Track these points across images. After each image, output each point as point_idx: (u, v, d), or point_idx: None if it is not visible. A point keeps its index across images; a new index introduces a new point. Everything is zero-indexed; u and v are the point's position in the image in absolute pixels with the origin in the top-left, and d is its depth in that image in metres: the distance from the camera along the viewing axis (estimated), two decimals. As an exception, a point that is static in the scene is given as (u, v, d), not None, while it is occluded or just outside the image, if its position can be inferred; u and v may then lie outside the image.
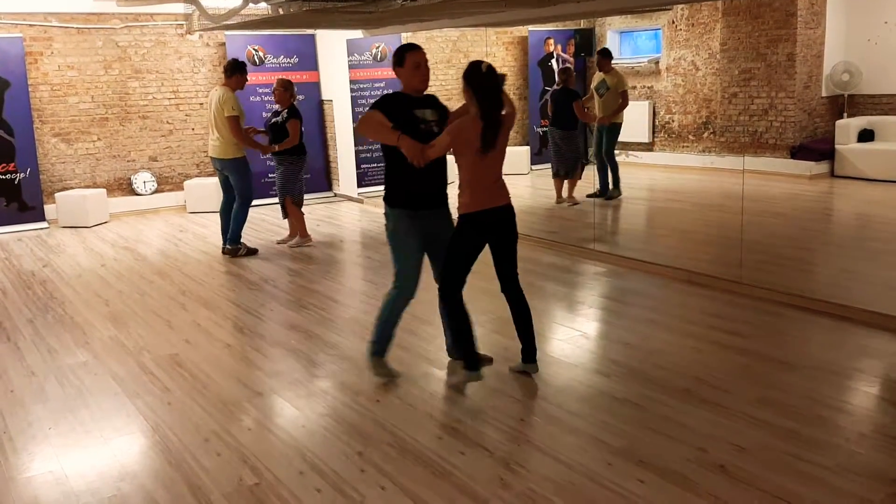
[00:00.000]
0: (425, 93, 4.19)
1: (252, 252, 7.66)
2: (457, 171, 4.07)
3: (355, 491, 3.23)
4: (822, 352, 4.64)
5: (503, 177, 4.14)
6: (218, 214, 7.91)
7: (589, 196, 9.46)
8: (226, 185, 7.60)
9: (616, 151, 9.76)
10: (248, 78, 7.71)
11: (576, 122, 9.45)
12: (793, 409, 3.81)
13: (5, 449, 3.73)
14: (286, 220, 8.10)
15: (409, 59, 4.06)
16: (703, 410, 3.83)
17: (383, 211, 4.22)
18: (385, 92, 10.93)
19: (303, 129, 7.80)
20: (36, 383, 4.55)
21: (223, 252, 7.68)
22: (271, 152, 7.74)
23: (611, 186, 9.57)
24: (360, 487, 3.25)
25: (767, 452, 3.40)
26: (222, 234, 7.72)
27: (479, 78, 3.92)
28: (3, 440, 3.82)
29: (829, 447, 3.44)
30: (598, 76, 9.52)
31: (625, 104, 9.51)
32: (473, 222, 4.06)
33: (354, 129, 3.99)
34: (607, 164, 9.48)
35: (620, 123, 9.56)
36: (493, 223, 4.10)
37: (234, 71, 7.36)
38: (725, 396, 3.98)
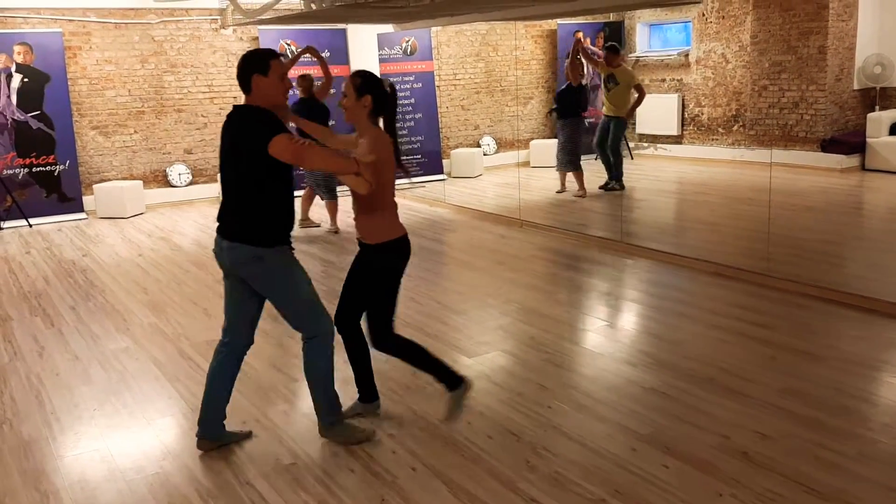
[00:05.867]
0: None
1: (314, 225, 8.31)
2: (351, 198, 3.63)
3: (387, 472, 3.35)
4: (848, 344, 4.67)
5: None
6: None
7: (601, 188, 9.56)
8: None
9: (645, 144, 9.83)
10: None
11: (579, 114, 9.68)
12: (817, 399, 3.87)
13: (53, 429, 3.90)
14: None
15: (274, 67, 3.36)
16: (727, 399, 3.90)
17: (249, 255, 3.36)
18: (413, 87, 11.29)
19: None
20: (80, 367, 4.73)
21: None
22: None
23: (608, 179, 9.81)
24: (391, 468, 3.37)
25: (790, 440, 3.46)
26: None
27: (386, 97, 3.56)
28: (51, 420, 4.00)
29: (852, 436, 3.50)
30: (607, 70, 9.64)
31: (641, 97, 9.65)
32: (400, 250, 3.62)
33: (284, 159, 3.20)
34: (611, 157, 9.66)
35: (626, 119, 9.73)
36: (407, 250, 3.66)
37: None
38: (750, 386, 4.04)
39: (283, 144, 3.21)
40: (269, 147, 3.21)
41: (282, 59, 3.47)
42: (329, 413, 3.65)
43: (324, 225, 8.47)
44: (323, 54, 10.84)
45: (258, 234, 3.35)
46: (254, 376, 4.47)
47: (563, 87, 9.85)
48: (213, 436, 3.63)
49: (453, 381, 3.71)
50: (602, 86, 9.85)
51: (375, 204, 3.52)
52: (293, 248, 3.51)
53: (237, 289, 3.52)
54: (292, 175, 3.44)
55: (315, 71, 9.01)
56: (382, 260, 3.59)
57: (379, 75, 3.71)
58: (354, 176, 3.32)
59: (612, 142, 9.55)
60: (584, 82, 9.94)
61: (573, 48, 10.00)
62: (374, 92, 3.52)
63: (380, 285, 3.62)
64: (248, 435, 3.74)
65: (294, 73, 8.78)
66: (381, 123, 3.62)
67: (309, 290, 3.51)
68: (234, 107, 3.44)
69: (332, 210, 8.30)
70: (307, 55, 7.78)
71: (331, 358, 3.59)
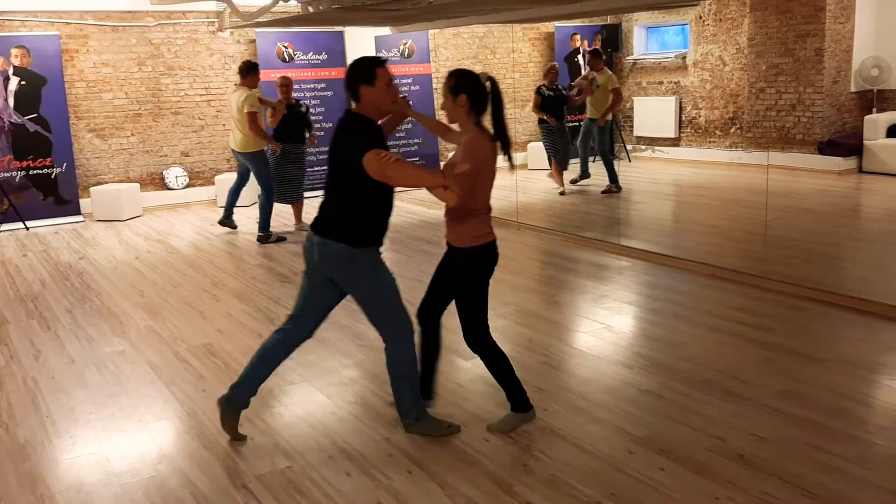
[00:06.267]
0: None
1: (281, 239, 8.11)
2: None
3: (383, 475, 3.34)
4: (846, 346, 4.67)
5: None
6: (257, 207, 8.47)
7: (603, 192, 9.65)
8: (243, 172, 8.41)
9: (642, 146, 9.96)
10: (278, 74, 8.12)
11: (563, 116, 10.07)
12: (814, 402, 3.86)
13: (49, 432, 3.89)
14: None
15: (380, 75, 3.40)
16: (724, 402, 3.90)
17: (339, 254, 3.44)
18: (410, 89, 11.29)
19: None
20: (76, 370, 4.72)
21: (219, 223, 8.61)
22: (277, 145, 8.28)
23: (585, 177, 10.13)
24: (387, 471, 3.36)
25: (787, 443, 3.46)
26: (225, 210, 8.60)
27: (484, 94, 3.47)
28: (47, 424, 3.99)
29: (849, 439, 3.49)
30: (590, 74, 9.99)
31: (616, 101, 9.89)
32: (485, 255, 3.57)
33: (373, 174, 3.27)
34: (602, 159, 9.99)
35: (612, 122, 10.01)
36: (494, 257, 3.62)
37: (249, 72, 8.01)
38: (747, 388, 4.04)
39: (371, 162, 3.27)
40: (363, 161, 3.28)
41: (385, 66, 3.44)
42: (413, 409, 3.67)
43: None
44: (321, 57, 10.93)
45: (350, 234, 3.42)
46: (250, 379, 4.46)
47: (550, 93, 9.94)
48: (235, 406, 3.69)
49: (522, 405, 3.71)
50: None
51: (467, 208, 3.48)
52: (381, 251, 3.57)
53: (317, 283, 3.60)
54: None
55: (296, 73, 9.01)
56: (467, 264, 3.58)
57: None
58: (443, 189, 3.34)
59: (600, 145, 9.86)
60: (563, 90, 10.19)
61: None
62: (468, 90, 3.44)
63: (465, 287, 3.61)
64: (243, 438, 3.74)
65: (273, 77, 9.05)
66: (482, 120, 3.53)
67: (392, 293, 3.56)
68: (346, 111, 3.49)
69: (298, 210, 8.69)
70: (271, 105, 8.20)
71: (413, 355, 3.65)
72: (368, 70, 3.38)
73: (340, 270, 3.49)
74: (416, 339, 3.68)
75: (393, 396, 3.74)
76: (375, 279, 3.53)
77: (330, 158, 3.48)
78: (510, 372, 3.71)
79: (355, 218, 3.41)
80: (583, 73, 11.13)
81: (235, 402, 3.69)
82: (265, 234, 8.03)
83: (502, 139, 3.53)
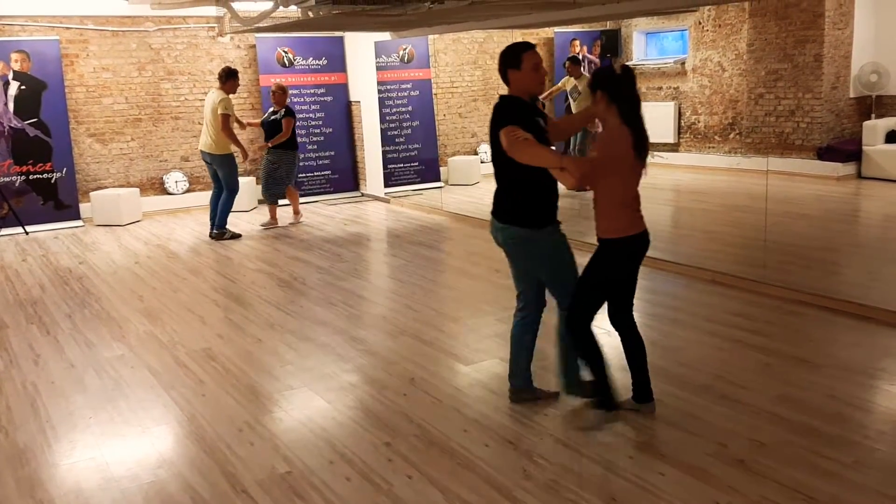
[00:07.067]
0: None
1: (236, 236, 8.57)
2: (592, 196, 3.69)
3: (383, 480, 3.34)
4: (844, 351, 4.67)
5: None
6: (256, 211, 8.85)
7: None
8: (215, 178, 8.62)
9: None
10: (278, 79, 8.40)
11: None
12: (813, 407, 3.87)
13: (48, 437, 3.89)
14: (271, 207, 9.14)
15: (526, 60, 3.63)
16: (723, 407, 3.90)
17: (519, 236, 3.70)
18: (416, 94, 11.31)
19: (295, 126, 9.05)
20: (75, 375, 4.72)
21: (210, 236, 8.63)
22: (267, 148, 8.87)
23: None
24: (387, 476, 3.36)
25: (786, 448, 3.46)
26: (210, 220, 8.69)
27: (617, 84, 3.55)
28: (46, 429, 3.99)
29: (848, 444, 3.49)
30: (570, 81, 10.14)
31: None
32: (628, 248, 3.66)
33: (504, 150, 3.49)
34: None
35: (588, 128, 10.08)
36: (642, 249, 3.72)
37: (228, 77, 8.34)
38: (746, 393, 4.04)
39: (502, 137, 3.46)
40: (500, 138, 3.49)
41: (532, 50, 3.66)
42: (572, 376, 3.92)
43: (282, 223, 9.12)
44: (320, 62, 10.95)
45: (525, 217, 3.65)
46: (249, 383, 4.46)
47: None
48: (519, 384, 4.02)
49: (607, 404, 3.80)
50: (569, 97, 10.29)
51: (610, 199, 3.59)
52: (560, 225, 3.76)
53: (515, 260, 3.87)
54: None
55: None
56: (611, 255, 3.66)
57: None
58: (560, 171, 3.40)
59: (581, 150, 9.98)
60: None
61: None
62: (602, 86, 3.56)
63: (602, 273, 3.70)
64: (555, 395, 4.04)
65: (272, 82, 9.26)
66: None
67: (571, 267, 3.78)
68: (500, 96, 3.71)
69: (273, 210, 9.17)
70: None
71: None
72: (515, 55, 3.63)
73: (522, 251, 3.78)
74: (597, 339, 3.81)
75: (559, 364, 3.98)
76: (554, 257, 3.76)
77: (490, 143, 3.67)
78: (605, 367, 3.79)
79: (524, 200, 3.63)
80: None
81: (520, 385, 4.02)
82: (221, 231, 8.49)
83: (634, 133, 3.55)
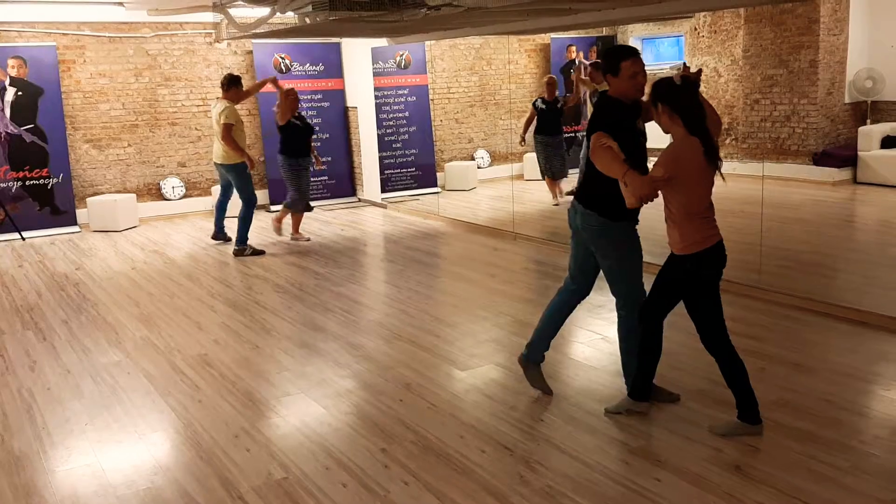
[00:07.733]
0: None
1: (258, 253, 8.01)
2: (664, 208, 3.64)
3: (379, 486, 3.34)
4: (839, 356, 4.69)
5: None
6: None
7: (569, 194, 9.68)
8: (225, 186, 8.44)
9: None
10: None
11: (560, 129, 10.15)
12: (809, 412, 3.88)
13: (44, 443, 3.89)
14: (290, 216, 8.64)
15: (624, 69, 3.66)
16: (718, 412, 3.90)
17: (598, 223, 3.81)
18: (413, 100, 11.32)
19: (291, 132, 8.48)
20: (72, 381, 4.71)
21: (212, 237, 8.59)
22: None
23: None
24: (384, 483, 3.37)
25: (782, 453, 3.47)
26: (215, 225, 8.62)
27: (676, 94, 3.49)
28: (42, 435, 3.98)
29: (844, 449, 3.50)
30: (592, 86, 9.92)
31: None
32: (703, 261, 3.61)
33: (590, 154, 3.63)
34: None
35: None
36: (720, 259, 3.68)
37: (231, 85, 8.03)
38: (742, 399, 4.04)
39: (593, 139, 3.56)
40: None
41: (633, 59, 3.70)
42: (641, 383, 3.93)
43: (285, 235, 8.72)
44: (317, 68, 10.97)
45: (607, 208, 3.74)
46: (245, 389, 4.46)
47: (544, 106, 9.97)
48: (533, 359, 4.19)
49: (750, 415, 3.67)
50: (588, 102, 10.11)
51: (681, 211, 3.56)
52: (636, 223, 3.88)
53: (581, 246, 3.98)
54: (641, 160, 3.70)
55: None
56: (689, 271, 3.62)
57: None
58: (624, 186, 3.41)
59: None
60: (560, 103, 10.17)
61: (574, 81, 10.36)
62: (662, 98, 3.53)
63: (693, 293, 3.68)
64: (550, 391, 4.19)
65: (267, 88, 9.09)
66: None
67: (635, 268, 3.94)
68: (600, 93, 3.83)
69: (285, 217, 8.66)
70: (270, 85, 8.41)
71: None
72: (615, 63, 3.70)
73: (596, 240, 3.86)
74: (639, 333, 3.88)
75: (621, 365, 4.09)
76: (623, 253, 3.89)
77: (586, 135, 3.82)
78: (744, 379, 3.68)
79: (607, 193, 3.64)
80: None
81: (533, 356, 4.18)
82: (241, 248, 7.98)
83: (704, 141, 3.48)
